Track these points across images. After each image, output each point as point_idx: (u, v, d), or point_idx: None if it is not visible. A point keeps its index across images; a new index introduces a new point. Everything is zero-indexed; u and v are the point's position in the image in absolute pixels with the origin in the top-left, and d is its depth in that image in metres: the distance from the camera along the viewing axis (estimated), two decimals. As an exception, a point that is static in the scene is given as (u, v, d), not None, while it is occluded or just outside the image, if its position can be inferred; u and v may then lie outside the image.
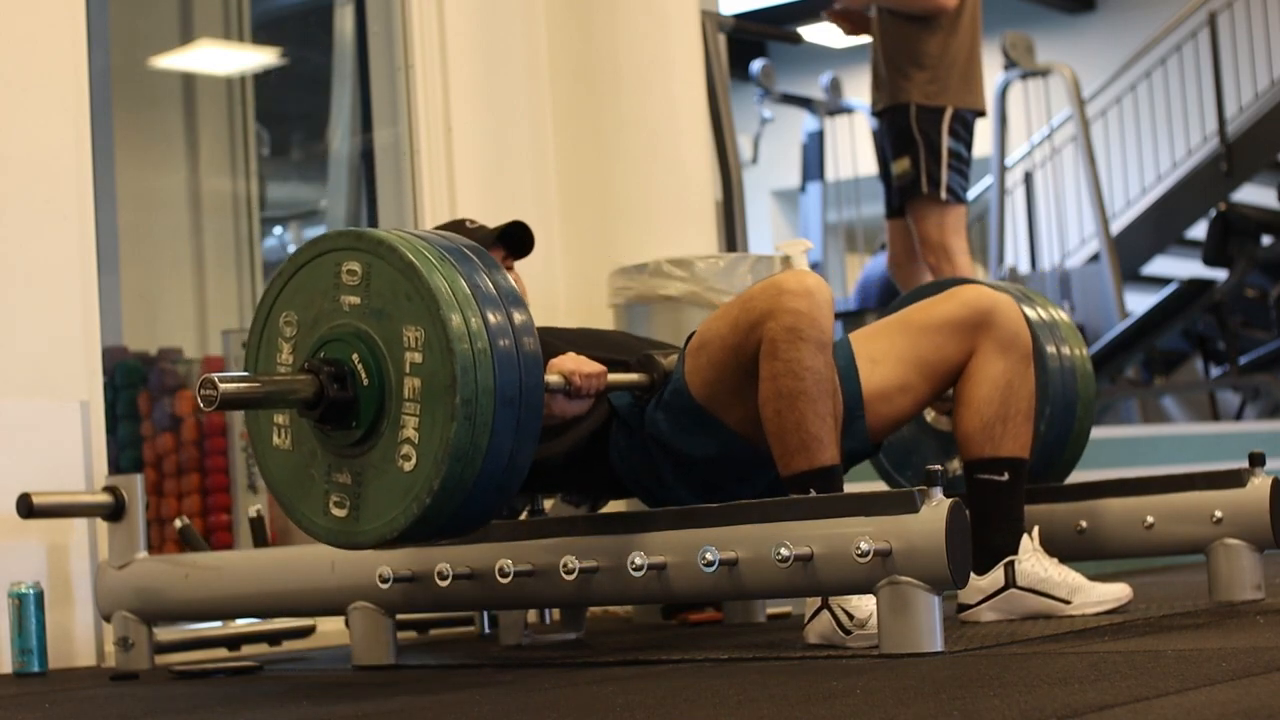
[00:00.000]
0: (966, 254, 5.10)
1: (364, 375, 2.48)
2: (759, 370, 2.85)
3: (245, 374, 2.57)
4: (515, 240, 3.24)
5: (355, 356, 2.49)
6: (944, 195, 5.04)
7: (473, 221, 3.30)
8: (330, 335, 2.52)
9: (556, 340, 3.06)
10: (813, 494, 2.72)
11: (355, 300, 2.50)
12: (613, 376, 2.96)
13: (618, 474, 3.08)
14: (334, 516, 2.55)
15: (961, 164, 5.09)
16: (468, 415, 2.41)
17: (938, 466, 2.46)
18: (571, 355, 2.93)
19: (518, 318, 2.50)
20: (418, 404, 2.45)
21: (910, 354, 3.07)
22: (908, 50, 5.10)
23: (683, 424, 2.98)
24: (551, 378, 2.83)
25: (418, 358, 2.44)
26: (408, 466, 2.46)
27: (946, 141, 5.05)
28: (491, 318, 2.45)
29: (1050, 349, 3.42)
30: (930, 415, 3.55)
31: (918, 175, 5.06)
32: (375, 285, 2.48)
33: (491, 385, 2.43)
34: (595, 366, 2.91)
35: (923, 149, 5.05)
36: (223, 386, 2.45)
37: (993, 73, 9.86)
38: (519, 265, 3.29)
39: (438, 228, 3.36)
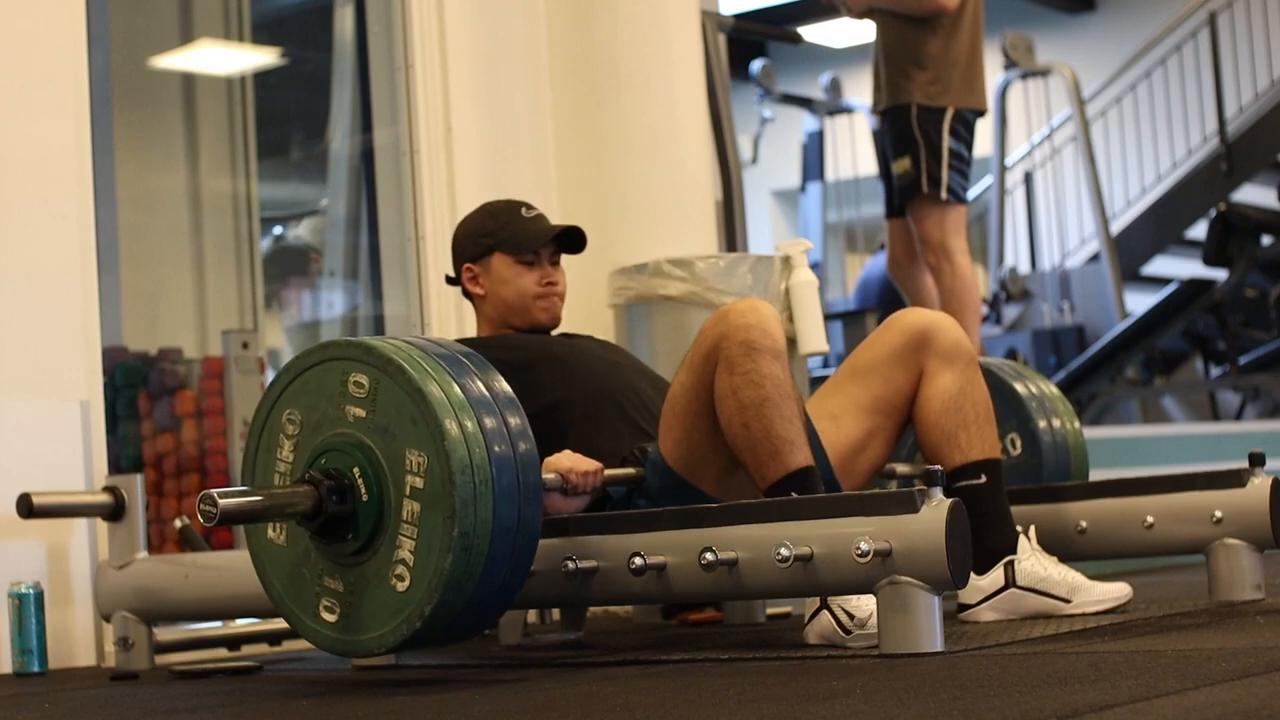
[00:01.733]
0: (966, 254, 5.10)
1: (364, 490, 2.50)
2: (717, 392, 2.86)
3: (245, 489, 2.58)
4: (568, 241, 3.27)
5: (356, 470, 2.51)
6: (944, 195, 5.04)
7: (530, 208, 3.31)
8: (333, 444, 2.53)
9: (568, 379, 3.08)
10: (793, 496, 2.73)
11: (360, 413, 2.51)
12: (609, 472, 3.00)
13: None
14: (324, 620, 2.58)
15: (962, 164, 5.09)
16: (465, 547, 2.43)
17: (937, 467, 2.46)
18: (569, 453, 2.98)
19: (513, 423, 2.51)
20: (415, 528, 2.47)
21: (866, 398, 3.12)
22: (909, 50, 5.10)
23: (662, 497, 3.00)
24: (548, 476, 2.87)
25: (419, 482, 2.46)
26: (401, 587, 2.49)
27: (947, 142, 5.05)
28: (496, 449, 2.46)
29: (1042, 424, 3.46)
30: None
31: (918, 175, 5.06)
32: (382, 402, 2.49)
33: (490, 517, 2.45)
34: (591, 464, 2.96)
35: (924, 149, 5.05)
36: (223, 502, 2.47)
37: (993, 73, 9.86)
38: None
39: (492, 205, 3.37)
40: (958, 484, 3.01)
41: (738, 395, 2.84)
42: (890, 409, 3.12)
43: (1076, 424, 3.56)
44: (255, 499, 2.53)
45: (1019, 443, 3.58)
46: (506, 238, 3.28)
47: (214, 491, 2.47)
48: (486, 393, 2.51)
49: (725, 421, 2.86)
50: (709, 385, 2.90)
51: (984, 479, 3.02)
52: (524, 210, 3.32)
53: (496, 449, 2.46)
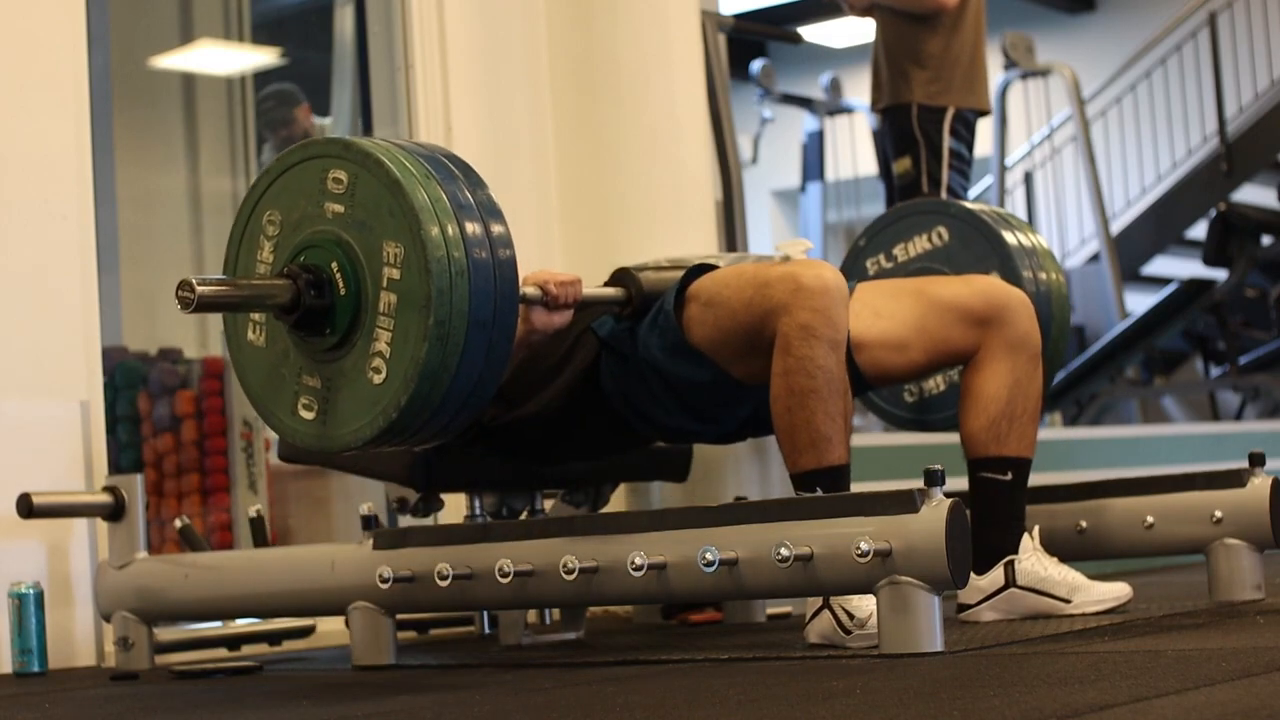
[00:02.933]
0: None
1: (341, 285, 2.51)
2: (771, 365, 2.85)
3: (223, 277, 2.60)
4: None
5: (334, 265, 2.51)
6: (944, 195, 5.04)
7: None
8: (312, 240, 2.54)
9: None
10: (819, 493, 2.72)
11: (339, 209, 2.52)
12: (588, 290, 2.98)
13: (612, 403, 3.07)
14: (301, 418, 2.59)
15: (963, 164, 5.09)
16: (440, 336, 2.43)
17: (938, 467, 2.46)
18: (545, 269, 2.96)
19: (496, 230, 2.51)
20: (392, 319, 2.48)
21: (915, 321, 3.05)
22: (909, 49, 5.09)
23: (676, 353, 2.98)
24: (528, 289, 2.86)
25: (395, 274, 2.47)
26: (377, 379, 2.49)
27: (948, 142, 5.04)
28: (471, 233, 2.47)
29: (1027, 274, 3.38)
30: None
31: (918, 175, 5.05)
32: (360, 196, 2.50)
33: (466, 309, 2.45)
34: (569, 275, 2.94)
35: (924, 149, 5.04)
36: (200, 289, 2.48)
37: (993, 73, 9.85)
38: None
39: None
40: (982, 474, 3.00)
41: (788, 379, 2.82)
42: (932, 348, 3.05)
43: (1060, 275, 3.48)
44: (232, 287, 2.54)
45: None
46: None
47: (192, 278, 2.48)
48: (469, 194, 2.52)
49: (772, 397, 2.85)
50: (758, 331, 2.87)
51: (1010, 476, 3.00)
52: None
53: (473, 241, 2.46)
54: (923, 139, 5.05)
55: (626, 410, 3.06)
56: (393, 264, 2.47)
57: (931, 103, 5.06)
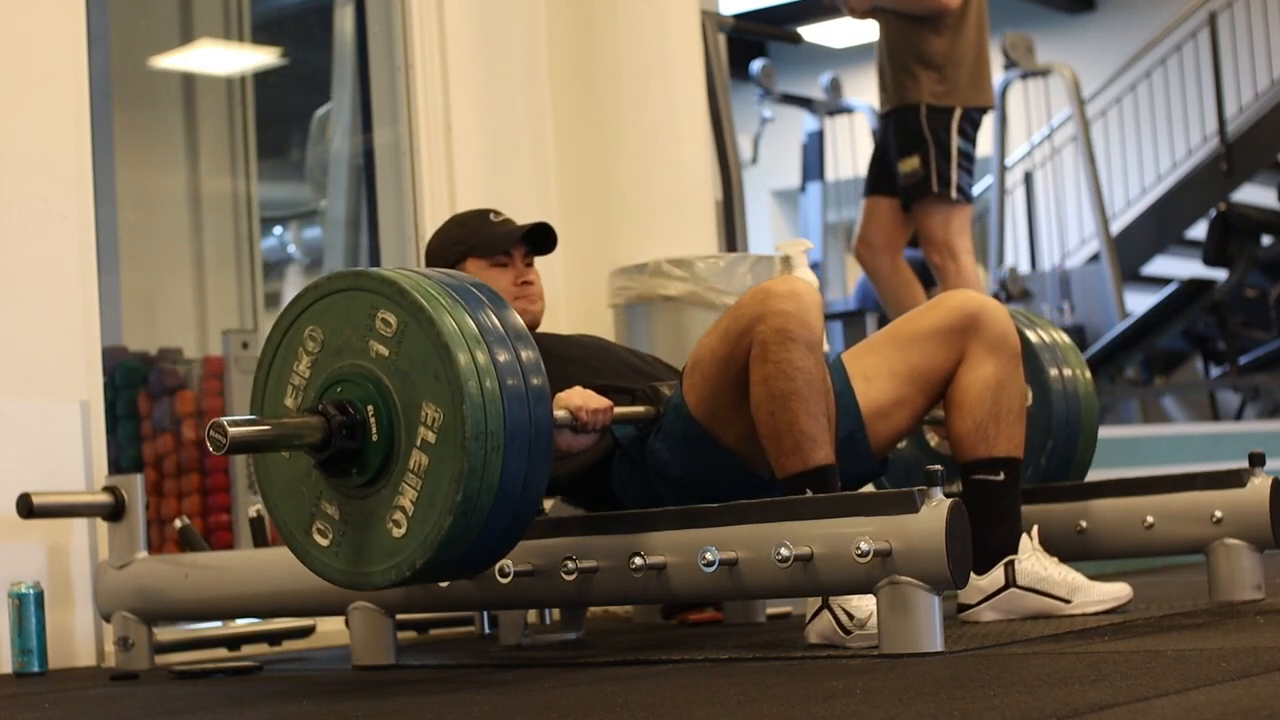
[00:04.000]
0: (970, 253, 5.09)
1: (375, 430, 2.49)
2: (750, 375, 2.86)
3: (254, 417, 2.58)
4: (538, 238, 3.27)
5: (371, 408, 2.49)
6: (954, 195, 5.02)
7: (497, 214, 3.31)
8: (351, 374, 2.51)
9: (562, 360, 3.07)
10: (809, 494, 2.72)
11: (384, 351, 2.49)
12: (618, 410, 2.98)
13: (620, 500, 3.11)
14: (316, 543, 2.59)
15: (969, 163, 5.07)
16: (466, 511, 2.42)
17: (938, 467, 2.46)
18: (579, 390, 2.96)
19: (538, 405, 2.49)
20: (420, 480, 2.46)
21: (902, 367, 3.10)
22: (914, 50, 5.08)
23: (681, 448, 3.00)
24: (559, 412, 2.85)
25: (431, 437, 2.45)
26: (397, 533, 2.49)
27: (956, 141, 5.03)
28: (511, 405, 2.45)
29: (1053, 371, 3.44)
30: (933, 440, 3.56)
31: (928, 175, 5.03)
32: (406, 347, 2.47)
33: (495, 483, 2.44)
34: (602, 401, 2.94)
35: (933, 149, 5.02)
36: (232, 431, 2.46)
37: (993, 72, 9.87)
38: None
39: (460, 215, 3.37)
40: (975, 476, 3.01)
41: (768, 384, 2.83)
42: (924, 383, 3.09)
43: (1087, 373, 3.52)
44: (265, 428, 2.52)
45: (1030, 393, 3.55)
46: (477, 243, 3.27)
47: (224, 420, 2.46)
48: (515, 361, 2.49)
49: (753, 405, 2.86)
50: (740, 359, 2.89)
51: (1002, 476, 3.01)
52: (491, 215, 3.31)
53: (514, 415, 2.45)
54: (932, 139, 5.04)
55: (632, 507, 3.09)
56: (430, 426, 2.45)
57: (939, 103, 5.04)
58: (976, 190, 10.67)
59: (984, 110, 5.14)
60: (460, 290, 2.51)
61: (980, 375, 3.04)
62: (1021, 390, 3.08)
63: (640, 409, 3.04)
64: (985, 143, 10.01)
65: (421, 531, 2.46)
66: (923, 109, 5.04)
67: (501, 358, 2.46)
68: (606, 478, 3.10)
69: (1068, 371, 3.47)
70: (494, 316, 2.51)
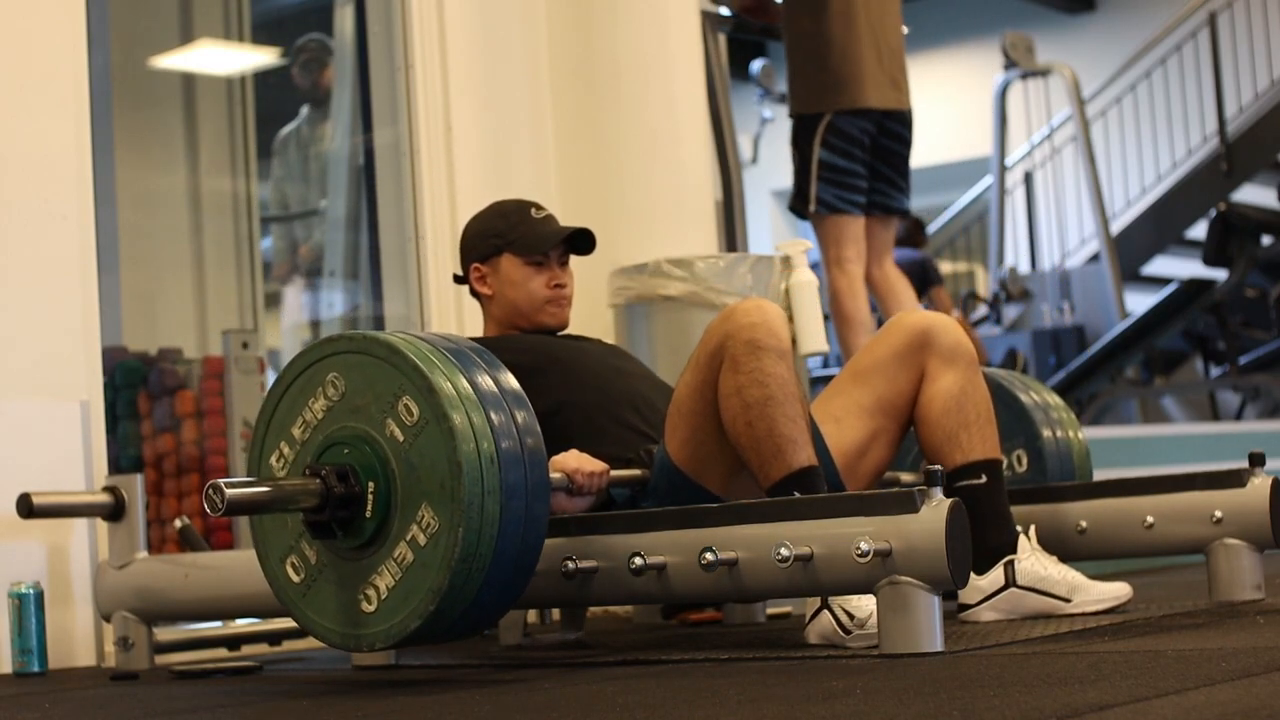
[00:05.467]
0: (854, 262, 4.89)
1: (370, 509, 2.51)
2: (721, 390, 2.87)
3: (252, 479, 2.60)
4: (577, 242, 3.27)
5: (372, 486, 2.51)
6: (812, 208, 4.88)
7: (539, 209, 3.30)
8: (362, 440, 2.52)
9: (571, 383, 3.08)
10: (796, 496, 2.73)
11: (399, 437, 2.49)
12: (614, 473, 3.00)
13: None
14: (286, 574, 2.62)
15: (836, 173, 4.84)
16: (437, 617, 2.46)
17: (937, 466, 2.46)
18: (574, 453, 2.98)
19: (535, 499, 2.50)
20: (399, 576, 2.49)
21: (869, 400, 3.13)
22: (791, 58, 5.00)
23: (668, 498, 3.00)
24: (555, 475, 2.86)
25: (422, 540, 2.47)
26: (366, 608, 2.53)
27: (818, 153, 4.85)
28: (508, 539, 2.47)
29: (1047, 433, 3.46)
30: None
31: (795, 193, 4.95)
32: (422, 442, 2.47)
33: (471, 599, 2.48)
34: (598, 465, 2.97)
35: (797, 163, 4.92)
36: (229, 493, 2.47)
37: (993, 73, 9.88)
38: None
39: (503, 205, 3.35)
40: (958, 484, 3.02)
41: (742, 394, 2.84)
42: (893, 410, 3.13)
43: (1081, 434, 3.56)
44: (262, 490, 2.53)
45: (1024, 459, 3.57)
46: (516, 239, 3.27)
47: (221, 482, 2.47)
48: (522, 481, 2.48)
49: (729, 420, 2.86)
50: (714, 384, 2.90)
51: (984, 479, 3.03)
52: (534, 211, 3.31)
53: (509, 539, 2.47)
54: (796, 152, 4.89)
55: None
56: (423, 529, 2.46)
57: (806, 111, 4.89)
58: (976, 190, 10.71)
59: (862, 112, 4.86)
60: (491, 401, 2.50)
61: (942, 388, 3.08)
62: (985, 394, 3.11)
63: (636, 472, 3.07)
64: (985, 143, 10.05)
65: (390, 618, 2.50)
66: (795, 120, 4.94)
67: (511, 478, 2.47)
68: None
69: (1060, 434, 3.51)
70: (517, 434, 2.50)
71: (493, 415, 2.47)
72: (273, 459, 2.63)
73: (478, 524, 2.43)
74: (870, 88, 4.86)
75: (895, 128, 4.94)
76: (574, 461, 2.95)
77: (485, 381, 2.51)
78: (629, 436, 3.15)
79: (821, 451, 3.03)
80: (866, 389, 3.14)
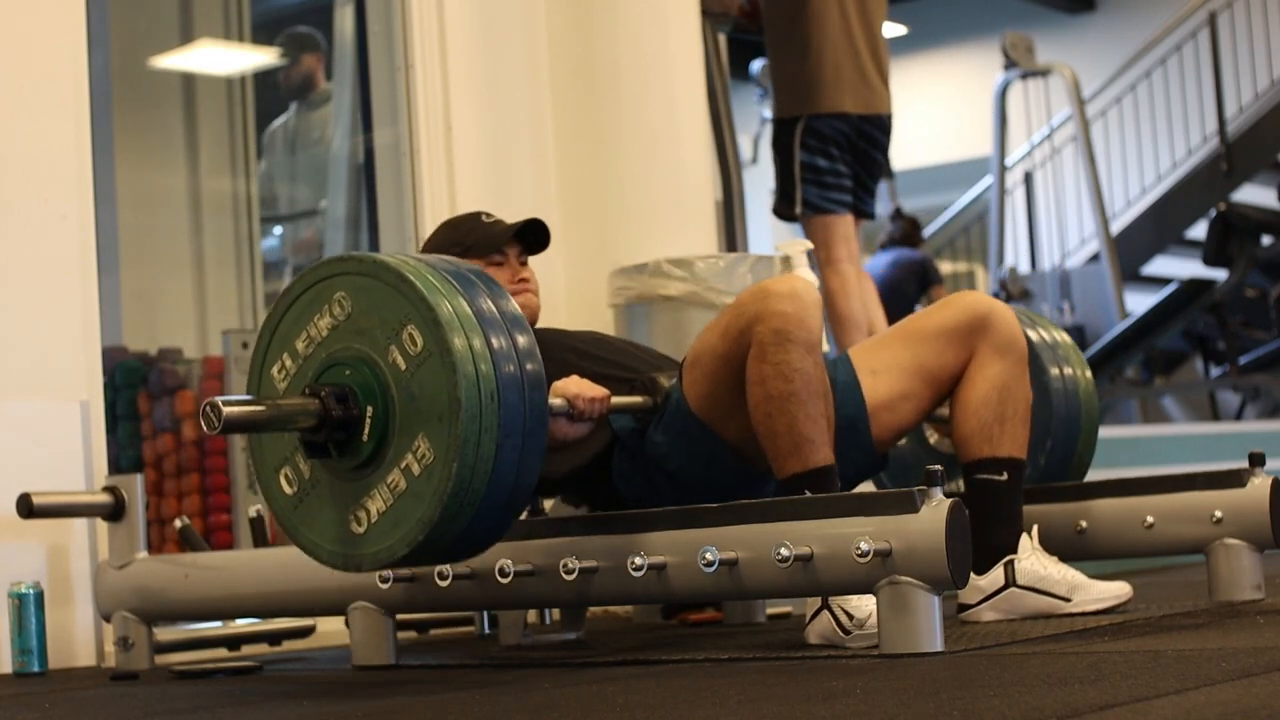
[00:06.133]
0: (848, 262, 4.90)
1: (367, 433, 2.49)
2: (747, 375, 2.87)
3: (250, 398, 2.58)
4: (531, 237, 3.26)
5: (370, 410, 2.49)
6: (798, 210, 4.91)
7: (489, 215, 3.31)
8: (363, 363, 2.51)
9: (564, 350, 3.07)
10: (807, 495, 2.73)
11: (402, 365, 2.47)
12: (615, 399, 2.98)
13: (619, 494, 3.11)
14: (280, 486, 2.62)
15: (819, 174, 4.86)
16: (429, 541, 2.45)
17: (938, 467, 2.46)
18: (575, 379, 2.96)
19: (532, 434, 2.49)
20: (392, 498, 2.49)
21: (911, 363, 3.11)
22: (772, 63, 5.03)
23: (680, 441, 3.00)
24: (555, 401, 2.85)
25: (416, 469, 2.46)
26: (356, 529, 2.52)
27: (799, 155, 4.86)
28: (502, 469, 2.45)
29: (1054, 370, 3.44)
30: (933, 438, 3.56)
31: (779, 196, 4.96)
32: (423, 374, 2.45)
33: (458, 533, 2.47)
34: (598, 390, 2.94)
35: (779, 167, 4.93)
36: (226, 411, 2.46)
37: (993, 73, 9.88)
38: (532, 261, 3.31)
39: (452, 219, 3.37)
40: (978, 475, 3.01)
41: (765, 385, 2.84)
42: (933, 381, 3.11)
43: (1088, 373, 3.52)
44: (259, 409, 2.52)
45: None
46: (472, 244, 3.27)
47: (219, 399, 2.46)
48: (520, 418, 2.47)
49: (751, 405, 2.86)
50: (740, 356, 2.89)
51: (1005, 476, 3.02)
52: (483, 217, 3.31)
53: (503, 475, 2.46)
54: (777, 156, 4.92)
55: (632, 504, 3.08)
56: (419, 459, 2.45)
57: (784, 115, 4.92)
58: (976, 190, 10.71)
59: (838, 116, 4.88)
60: (494, 326, 2.49)
61: (987, 376, 3.06)
62: (1027, 393, 3.09)
63: (638, 399, 3.05)
64: (985, 143, 10.05)
65: (379, 542, 2.49)
66: (774, 125, 4.95)
67: (510, 417, 2.45)
68: (606, 472, 3.10)
69: (1069, 371, 3.47)
70: (517, 361, 2.49)
71: (494, 341, 2.46)
72: (274, 369, 2.61)
73: (472, 460, 2.41)
74: (846, 92, 4.88)
75: (872, 132, 4.96)
76: (574, 387, 2.92)
77: (488, 306, 2.50)
78: (627, 365, 3.16)
79: (855, 396, 3.05)
80: (910, 352, 3.12)
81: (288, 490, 2.61)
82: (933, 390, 3.12)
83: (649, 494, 3.06)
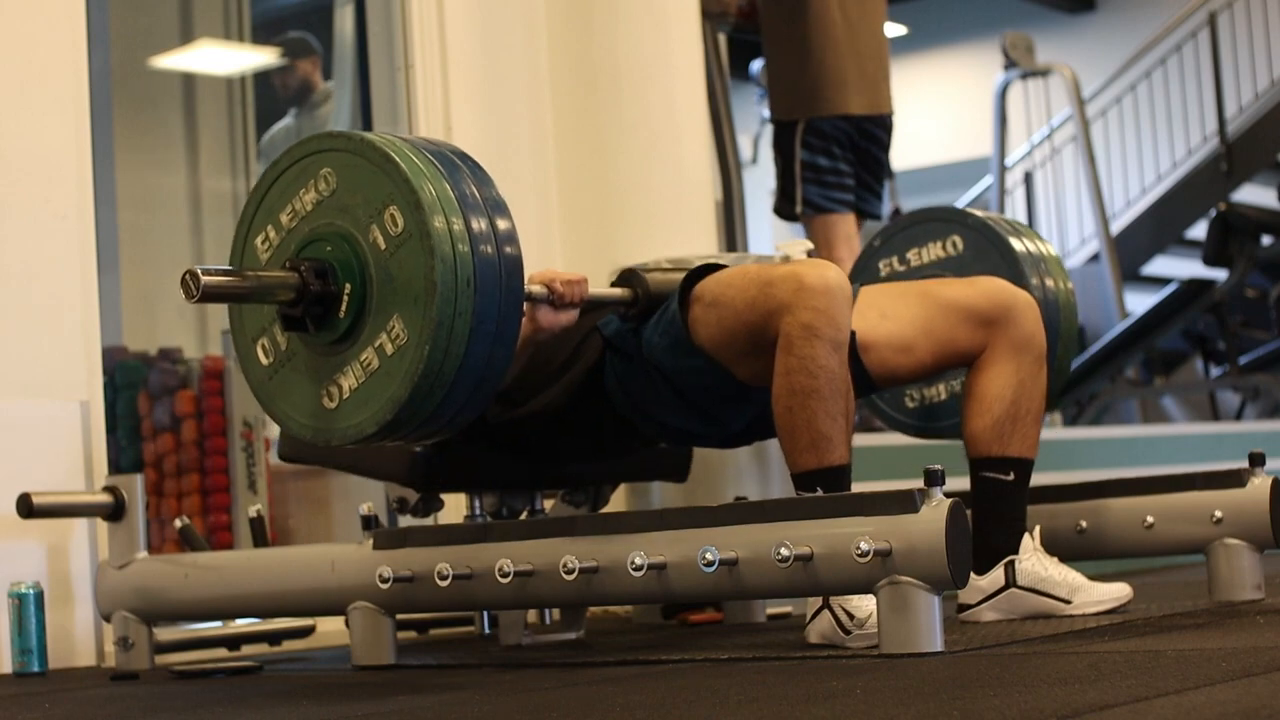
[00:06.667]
0: (850, 261, 4.82)
1: (344, 309, 2.52)
2: (774, 364, 2.85)
3: (230, 268, 2.61)
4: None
5: (348, 287, 2.51)
6: (799, 209, 4.90)
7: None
8: (344, 239, 2.52)
9: None
10: (819, 493, 2.72)
11: (382, 245, 2.49)
12: (594, 290, 2.98)
13: (616, 403, 3.07)
14: (256, 355, 2.65)
15: (820, 172, 4.87)
16: (393, 424, 2.47)
17: (938, 466, 2.46)
18: (551, 268, 2.97)
19: (502, 226, 2.52)
20: (365, 376, 2.52)
21: (922, 322, 3.06)
22: (768, 65, 5.03)
23: (679, 353, 2.98)
24: (534, 288, 2.86)
25: (389, 349, 2.49)
26: (327, 403, 2.57)
27: (800, 155, 4.88)
28: (477, 230, 2.47)
29: (1034, 280, 3.38)
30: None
31: (780, 196, 4.96)
32: (403, 254, 2.46)
33: (430, 412, 2.49)
34: (575, 275, 2.94)
35: (780, 166, 4.93)
36: (205, 279, 2.48)
37: (993, 73, 9.88)
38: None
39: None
40: (985, 473, 3.00)
41: (790, 378, 2.83)
42: (938, 349, 3.06)
43: (1069, 284, 3.48)
44: (238, 280, 2.56)
45: None
46: None
47: (199, 268, 2.48)
48: (495, 303, 2.49)
49: (774, 395, 2.85)
50: (760, 330, 2.87)
51: (1012, 476, 3.00)
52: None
53: (474, 359, 2.47)
54: (779, 156, 4.92)
55: (630, 410, 3.06)
56: (391, 339, 2.48)
57: (784, 118, 4.92)
58: (976, 191, 10.71)
59: (839, 117, 4.88)
60: (473, 207, 2.51)
61: (1003, 372, 3.02)
62: (1042, 392, 3.05)
63: (618, 291, 3.04)
64: (985, 143, 10.05)
65: (349, 419, 2.53)
66: (774, 127, 4.96)
67: (485, 303, 2.46)
68: (601, 384, 3.06)
69: (1049, 282, 3.42)
70: (495, 243, 2.51)
71: (474, 225, 2.48)
72: (258, 240, 2.63)
73: (444, 344, 2.44)
74: (847, 93, 4.88)
75: (874, 131, 4.96)
76: (551, 273, 2.93)
77: (471, 190, 2.51)
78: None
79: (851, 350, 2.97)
80: (924, 311, 3.07)
81: (264, 360, 2.64)
82: (935, 357, 3.07)
83: (645, 394, 3.03)
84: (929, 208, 3.70)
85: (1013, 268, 3.34)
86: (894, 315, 3.07)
